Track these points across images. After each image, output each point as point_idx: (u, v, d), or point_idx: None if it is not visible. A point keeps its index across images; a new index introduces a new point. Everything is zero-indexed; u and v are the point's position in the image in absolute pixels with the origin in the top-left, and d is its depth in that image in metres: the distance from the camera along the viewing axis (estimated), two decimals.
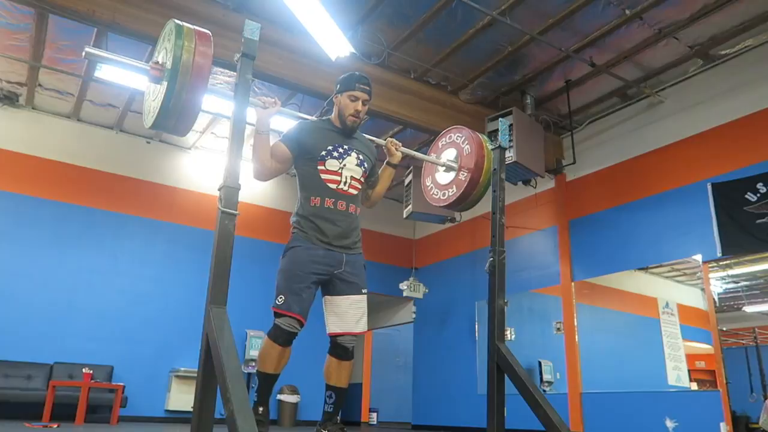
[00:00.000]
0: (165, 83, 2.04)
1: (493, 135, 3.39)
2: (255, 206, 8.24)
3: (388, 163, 2.92)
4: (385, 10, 5.33)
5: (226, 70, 6.04)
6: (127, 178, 7.69)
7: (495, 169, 3.01)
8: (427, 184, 3.30)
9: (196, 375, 1.98)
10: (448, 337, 8.58)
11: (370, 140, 2.92)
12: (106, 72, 6.24)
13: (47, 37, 5.85)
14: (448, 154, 3.15)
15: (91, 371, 6.14)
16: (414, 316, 9.42)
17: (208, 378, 1.90)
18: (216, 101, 6.59)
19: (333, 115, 2.79)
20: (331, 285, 2.62)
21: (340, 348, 2.61)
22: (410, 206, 7.22)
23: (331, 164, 2.65)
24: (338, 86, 2.74)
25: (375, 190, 2.93)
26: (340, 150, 2.69)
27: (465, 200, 3.05)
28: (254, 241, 7.80)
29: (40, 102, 7.26)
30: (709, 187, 5.59)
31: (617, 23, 5.34)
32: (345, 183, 2.67)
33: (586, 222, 6.87)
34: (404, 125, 6.66)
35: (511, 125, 5.92)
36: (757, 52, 5.56)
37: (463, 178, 3.01)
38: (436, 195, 3.20)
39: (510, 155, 5.83)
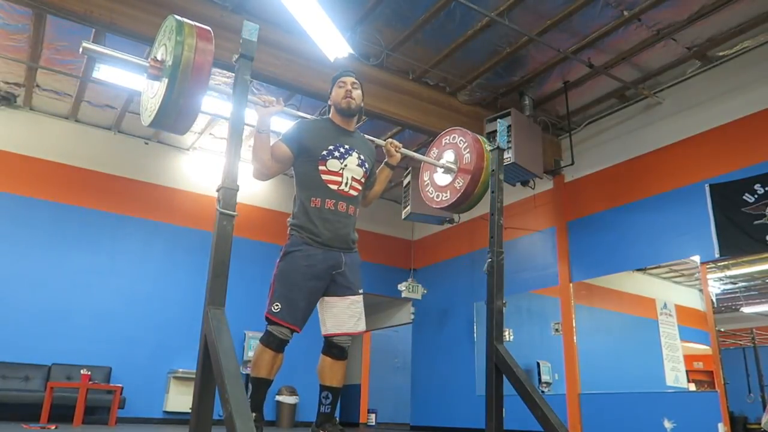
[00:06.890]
0: (165, 81, 2.01)
1: (491, 136, 3.40)
2: (253, 207, 8.24)
3: (387, 164, 2.90)
4: (384, 11, 5.33)
5: (225, 71, 6.03)
6: (125, 179, 7.68)
7: (493, 170, 3.00)
8: (425, 179, 3.28)
9: (194, 376, 1.97)
10: (446, 338, 8.57)
11: (370, 140, 2.90)
12: (104, 73, 6.23)
13: (45, 38, 5.83)
14: (448, 156, 3.12)
15: (89, 372, 6.12)
16: (412, 317, 9.41)
17: (207, 379, 1.89)
18: (214, 102, 6.59)
19: (331, 114, 2.79)
20: (329, 286, 2.59)
21: (336, 348, 2.59)
22: (409, 207, 7.22)
23: (333, 164, 2.62)
24: (330, 89, 2.85)
25: (372, 190, 2.90)
26: (342, 150, 2.66)
27: (458, 206, 3.08)
28: (253, 243, 7.79)
29: (38, 103, 7.25)
30: (707, 188, 5.60)
31: (615, 24, 5.35)
32: (346, 184, 2.63)
33: (585, 223, 6.87)
34: (402, 126, 6.66)
35: (509, 126, 5.92)
36: (755, 54, 5.57)
37: (459, 186, 3.00)
38: (431, 194, 3.21)
39: (508, 156, 5.83)
